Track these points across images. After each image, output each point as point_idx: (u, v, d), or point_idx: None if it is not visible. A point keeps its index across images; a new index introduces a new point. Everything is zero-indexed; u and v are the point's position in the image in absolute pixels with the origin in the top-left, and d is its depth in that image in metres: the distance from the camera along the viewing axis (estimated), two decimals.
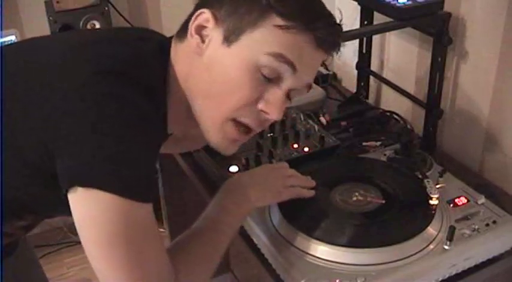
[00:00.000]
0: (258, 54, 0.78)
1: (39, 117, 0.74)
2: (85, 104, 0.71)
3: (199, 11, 0.81)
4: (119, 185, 0.71)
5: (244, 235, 1.07)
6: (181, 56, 0.84)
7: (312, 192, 1.04)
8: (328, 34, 0.80)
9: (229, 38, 0.79)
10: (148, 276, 0.75)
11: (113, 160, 0.71)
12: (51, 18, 1.73)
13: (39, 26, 1.75)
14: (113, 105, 0.71)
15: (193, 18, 0.81)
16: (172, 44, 0.86)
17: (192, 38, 0.81)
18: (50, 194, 0.78)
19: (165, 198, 1.91)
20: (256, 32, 0.78)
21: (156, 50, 0.83)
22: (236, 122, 0.82)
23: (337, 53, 0.86)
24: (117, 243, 0.72)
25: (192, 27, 0.81)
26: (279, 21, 0.78)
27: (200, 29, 0.81)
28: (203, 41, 0.81)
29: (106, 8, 1.78)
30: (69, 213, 0.75)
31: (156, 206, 2.05)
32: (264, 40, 0.78)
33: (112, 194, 0.70)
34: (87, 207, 0.72)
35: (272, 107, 0.81)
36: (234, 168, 1.17)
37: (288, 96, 0.84)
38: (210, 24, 0.80)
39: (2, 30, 1.66)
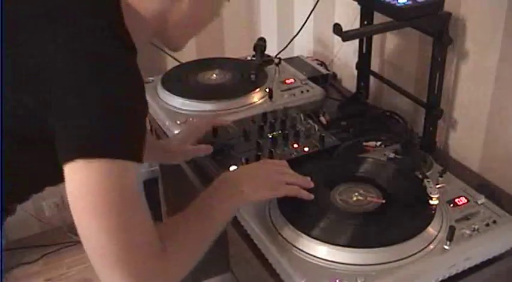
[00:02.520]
0: None
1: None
2: (63, 73, 0.73)
3: None
4: (106, 148, 0.73)
5: (244, 235, 1.07)
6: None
7: (311, 195, 1.03)
8: None
9: None
10: (137, 242, 0.76)
11: (102, 125, 0.73)
12: None
13: None
14: (93, 73, 0.73)
15: None
16: None
17: None
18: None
19: (165, 198, 1.91)
20: None
21: None
22: None
23: None
24: (106, 207, 0.73)
25: None
26: None
27: None
28: None
29: None
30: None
31: (156, 206, 2.05)
32: None
33: (99, 158, 0.72)
34: (79, 175, 0.73)
35: None
36: (233, 168, 1.17)
37: None
38: None
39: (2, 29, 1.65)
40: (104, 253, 0.73)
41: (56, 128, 0.74)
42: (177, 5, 0.88)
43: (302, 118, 1.36)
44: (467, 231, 0.99)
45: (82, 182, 0.73)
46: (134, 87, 0.78)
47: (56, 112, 0.73)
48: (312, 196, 1.03)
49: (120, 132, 0.75)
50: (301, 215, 1.01)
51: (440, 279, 0.95)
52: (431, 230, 0.98)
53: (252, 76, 1.52)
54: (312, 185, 1.05)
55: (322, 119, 1.42)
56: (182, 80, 1.57)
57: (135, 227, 0.76)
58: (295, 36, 1.74)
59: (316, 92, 1.53)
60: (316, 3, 1.62)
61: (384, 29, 1.33)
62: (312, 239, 0.96)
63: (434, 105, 1.32)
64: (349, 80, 1.72)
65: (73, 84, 0.73)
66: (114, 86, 0.75)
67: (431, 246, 0.96)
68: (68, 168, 0.74)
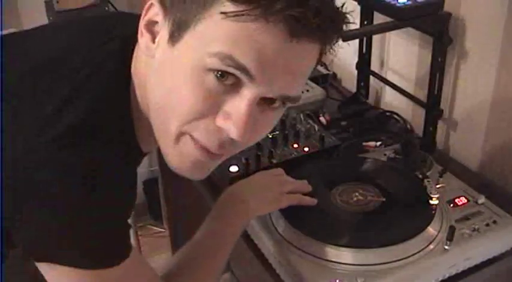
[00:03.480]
0: (202, 56, 0.60)
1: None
2: (37, 178, 0.61)
3: (148, 3, 0.65)
4: (76, 257, 0.65)
5: (244, 235, 1.06)
6: (138, 59, 0.70)
7: (314, 201, 1.03)
8: (304, 14, 0.57)
9: (173, 36, 0.63)
10: None
11: (67, 233, 0.63)
12: (51, 18, 1.73)
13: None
14: (61, 176, 0.61)
15: (143, 11, 0.66)
16: (136, 45, 0.70)
17: (142, 37, 0.66)
18: None
19: (165, 198, 1.91)
20: (200, 26, 0.60)
21: (114, 59, 0.69)
22: (193, 138, 0.66)
23: (333, 43, 0.64)
24: None
25: (141, 23, 0.66)
26: (228, 6, 0.58)
27: (151, 24, 0.66)
28: (153, 40, 0.66)
29: (106, 8, 1.78)
30: None
31: (156, 206, 2.06)
32: (207, 36, 0.60)
33: (72, 267, 0.65)
34: (55, 279, 0.68)
35: (232, 122, 0.62)
36: (234, 168, 1.17)
37: (268, 102, 0.65)
38: (159, 18, 0.65)
39: (1, 30, 1.66)
40: None
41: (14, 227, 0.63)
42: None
43: (302, 118, 1.36)
44: (467, 231, 0.99)
45: None
46: (118, 197, 0.66)
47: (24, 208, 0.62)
48: (315, 201, 1.03)
49: (95, 242, 0.65)
50: (301, 215, 1.01)
51: (440, 279, 0.95)
52: (431, 230, 0.98)
53: None
54: (310, 188, 1.05)
55: (322, 119, 1.42)
56: None
57: None
58: None
59: (316, 92, 1.53)
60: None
61: (383, 29, 1.33)
62: (312, 239, 0.95)
63: (434, 105, 1.32)
64: (349, 80, 1.71)
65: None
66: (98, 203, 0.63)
67: (431, 246, 0.96)
68: (40, 267, 0.67)
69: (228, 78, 0.61)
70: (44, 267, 0.67)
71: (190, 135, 0.66)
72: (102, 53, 0.69)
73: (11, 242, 0.66)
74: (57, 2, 1.71)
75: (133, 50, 0.70)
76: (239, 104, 0.62)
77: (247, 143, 0.68)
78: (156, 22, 0.66)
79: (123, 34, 0.71)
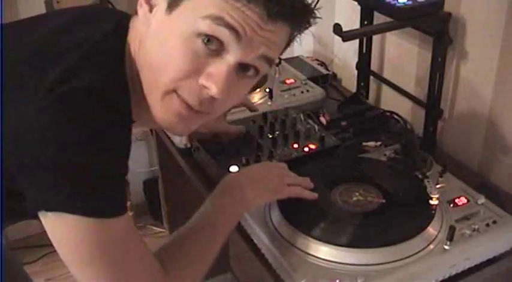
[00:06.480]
0: (195, 19, 0.71)
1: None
2: (37, 132, 0.68)
3: None
4: (82, 206, 0.70)
5: (244, 235, 1.07)
6: (135, 30, 0.79)
7: (314, 195, 1.03)
8: (280, 1, 0.71)
9: (171, 5, 0.73)
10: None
11: (74, 182, 0.69)
12: None
13: None
14: (66, 129, 0.68)
15: None
16: (131, 22, 0.80)
17: (141, 8, 0.77)
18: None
19: (165, 198, 1.91)
20: None
21: (111, 34, 0.77)
22: (178, 95, 0.76)
23: (302, 31, 0.78)
24: (97, 261, 0.73)
25: None
26: None
27: None
28: (151, 11, 0.76)
29: None
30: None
31: (156, 206, 2.06)
32: (201, 4, 0.71)
33: (78, 215, 0.70)
34: (59, 230, 0.72)
35: (213, 81, 0.73)
36: (234, 168, 1.17)
37: (244, 70, 0.76)
38: None
39: (1, 29, 1.66)
40: None
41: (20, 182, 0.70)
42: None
43: (302, 118, 1.36)
44: (467, 231, 0.99)
45: (66, 237, 0.73)
46: (116, 153, 0.73)
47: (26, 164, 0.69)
48: (315, 195, 1.03)
49: (97, 191, 0.71)
50: (301, 215, 1.01)
51: (440, 279, 0.95)
52: (431, 230, 0.98)
53: None
54: (312, 185, 1.05)
55: (322, 119, 1.42)
56: None
57: (131, 272, 0.76)
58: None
59: (316, 92, 1.53)
60: (316, 3, 1.62)
61: (384, 29, 1.33)
62: (312, 239, 0.96)
63: (434, 105, 1.32)
64: (349, 80, 1.72)
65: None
66: (96, 153, 0.70)
67: (431, 246, 0.96)
68: (45, 219, 0.72)
69: (213, 44, 0.72)
70: (48, 219, 0.71)
71: (176, 93, 0.75)
72: (99, 32, 0.77)
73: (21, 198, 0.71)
74: (57, 1, 1.71)
75: (126, 30, 0.79)
76: (221, 66, 0.73)
77: (223, 105, 0.79)
78: None
79: (114, 17, 0.82)
